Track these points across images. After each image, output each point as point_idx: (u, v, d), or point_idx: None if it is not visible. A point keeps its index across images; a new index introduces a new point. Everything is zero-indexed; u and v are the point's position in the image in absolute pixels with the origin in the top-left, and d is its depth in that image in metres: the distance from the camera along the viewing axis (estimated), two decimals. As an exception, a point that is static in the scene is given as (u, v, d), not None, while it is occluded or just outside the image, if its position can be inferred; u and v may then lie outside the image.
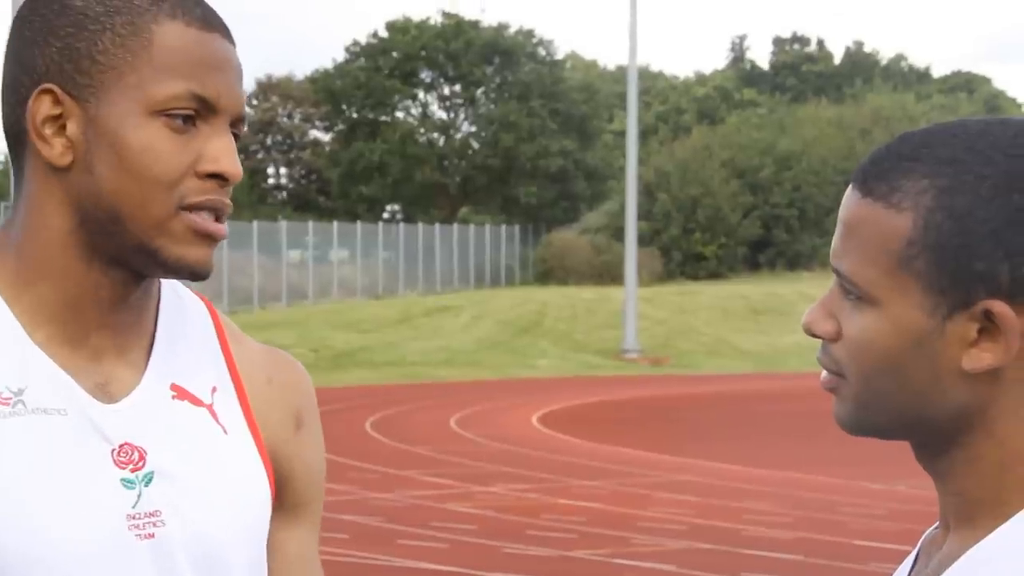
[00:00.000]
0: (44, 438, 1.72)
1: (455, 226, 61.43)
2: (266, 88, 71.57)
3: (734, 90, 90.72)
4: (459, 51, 68.32)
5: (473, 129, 70.49)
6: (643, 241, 54.04)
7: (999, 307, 1.45)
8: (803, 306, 45.35)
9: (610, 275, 57.92)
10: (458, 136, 70.32)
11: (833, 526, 13.86)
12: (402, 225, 59.36)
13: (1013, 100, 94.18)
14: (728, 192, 64.89)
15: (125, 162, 1.71)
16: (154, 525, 1.74)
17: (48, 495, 1.70)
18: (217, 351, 1.87)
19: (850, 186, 1.53)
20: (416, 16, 72.79)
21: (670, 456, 19.36)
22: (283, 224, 51.14)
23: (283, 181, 73.13)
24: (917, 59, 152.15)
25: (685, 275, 63.79)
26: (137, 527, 1.74)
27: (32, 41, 1.74)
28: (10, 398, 1.72)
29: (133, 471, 1.75)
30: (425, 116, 70.52)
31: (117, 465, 1.74)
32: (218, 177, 1.74)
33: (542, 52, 70.78)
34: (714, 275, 63.88)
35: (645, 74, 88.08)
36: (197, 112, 1.74)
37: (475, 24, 69.86)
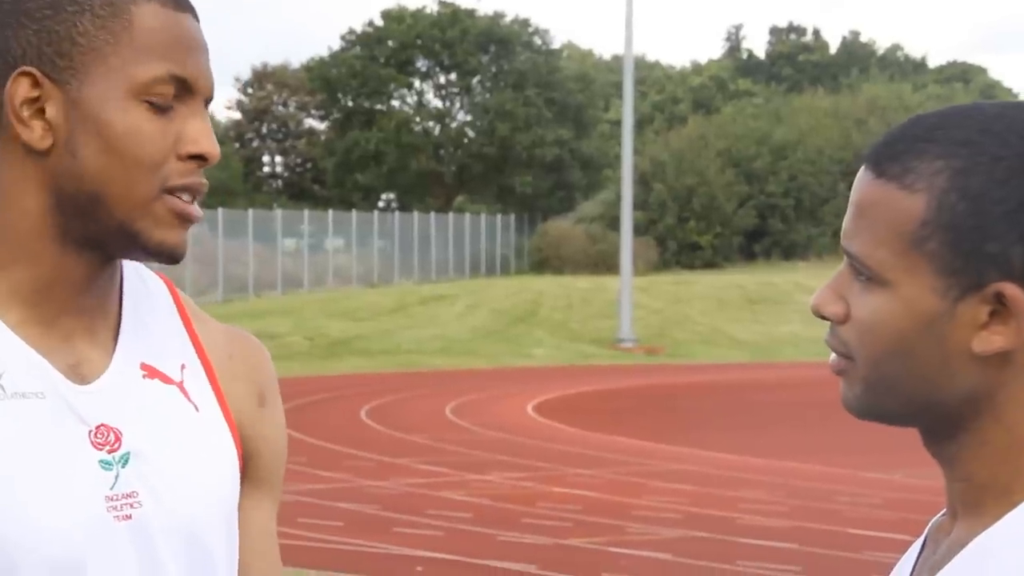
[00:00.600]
0: (24, 422, 1.71)
1: (450, 215, 61.42)
2: (261, 77, 71.51)
3: (730, 80, 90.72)
4: (455, 40, 68.29)
5: (469, 118, 70.48)
6: (639, 230, 54.05)
7: (1011, 289, 1.43)
8: (799, 296, 45.43)
9: (605, 264, 57.93)
10: (454, 125, 70.30)
11: (829, 515, 13.86)
12: (397, 214, 59.35)
13: (1008, 90, 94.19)
14: (724, 182, 64.90)
15: (110, 145, 1.70)
16: (131, 506, 1.74)
17: (29, 478, 1.69)
18: (181, 329, 1.87)
19: (863, 167, 1.52)
20: (412, 5, 72.76)
21: (665, 445, 19.36)
22: (278, 213, 51.12)
23: (278, 170, 73.10)
24: (913, 49, 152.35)
25: (681, 264, 63.82)
26: (115, 508, 1.73)
27: (4, 23, 1.72)
28: None
29: (110, 452, 1.74)
30: (421, 105, 70.49)
31: (94, 447, 1.74)
32: (198, 158, 1.74)
33: (538, 41, 70.78)
34: (710, 265, 63.90)
35: (641, 63, 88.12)
36: (175, 94, 1.73)
37: (471, 13, 69.81)
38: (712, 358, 36.67)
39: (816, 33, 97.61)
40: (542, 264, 62.38)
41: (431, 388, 27.71)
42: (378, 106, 69.11)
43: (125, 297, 1.83)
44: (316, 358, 33.16)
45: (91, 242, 1.74)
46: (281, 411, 1.96)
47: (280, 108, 71.68)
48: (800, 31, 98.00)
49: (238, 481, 1.85)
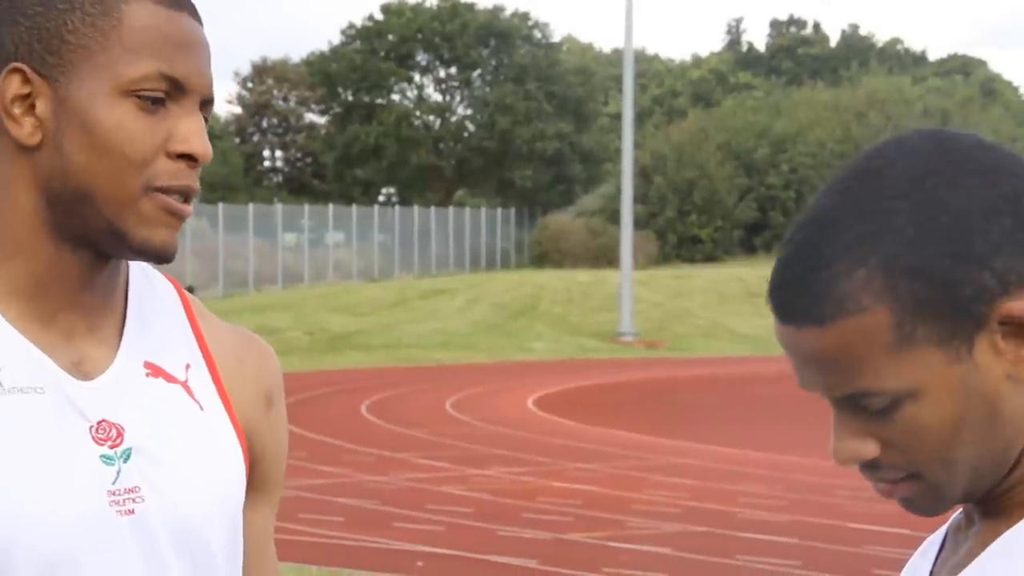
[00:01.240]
0: (23, 417, 1.71)
1: (451, 209, 61.43)
2: (261, 71, 71.50)
3: (730, 73, 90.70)
4: (455, 33, 68.27)
5: (469, 112, 70.48)
6: (639, 224, 54.07)
7: (1006, 307, 1.42)
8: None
9: (606, 258, 57.94)
10: (454, 119, 70.30)
11: (828, 509, 13.87)
12: (398, 208, 59.35)
13: (1009, 83, 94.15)
14: (724, 175, 64.91)
15: (95, 142, 1.71)
16: (133, 501, 1.74)
17: (29, 473, 1.69)
18: (188, 330, 1.87)
19: (788, 326, 1.47)
20: (411, -1, 72.70)
21: (665, 439, 19.36)
22: (278, 207, 51.13)
23: (279, 164, 73.11)
24: (913, 42, 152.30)
25: (681, 258, 63.83)
26: (117, 503, 1.73)
27: None
28: None
29: (112, 447, 1.74)
30: (421, 99, 70.49)
31: (96, 442, 1.74)
32: (188, 157, 1.73)
33: (538, 35, 70.76)
34: (710, 258, 63.92)
35: (641, 57, 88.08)
36: (167, 92, 1.73)
37: (471, 6, 69.80)
38: (712, 352, 36.67)
39: (816, 26, 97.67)
40: (542, 258, 62.39)
41: (431, 382, 27.71)
42: (378, 100, 69.11)
43: (130, 296, 1.83)
44: (316, 352, 33.17)
45: (83, 239, 1.74)
46: (285, 415, 1.97)
47: (280, 103, 71.66)
48: (800, 24, 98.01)
49: (243, 482, 1.85)
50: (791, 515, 13.56)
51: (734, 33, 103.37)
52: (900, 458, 1.47)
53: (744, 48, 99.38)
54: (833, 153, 65.87)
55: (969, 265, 1.41)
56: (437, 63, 70.25)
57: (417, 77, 70.56)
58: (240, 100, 71.57)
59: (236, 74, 72.19)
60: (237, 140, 70.26)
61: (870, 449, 1.47)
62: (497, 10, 70.54)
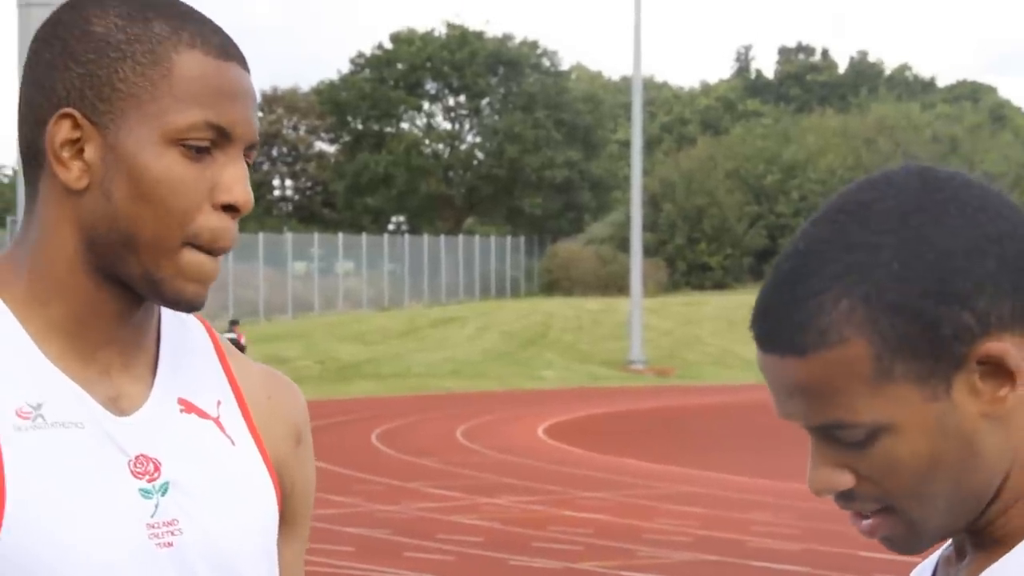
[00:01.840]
0: (64, 451, 1.74)
1: (460, 237, 61.48)
2: (271, 100, 71.67)
3: (739, 100, 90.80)
4: (464, 62, 68.40)
5: (478, 140, 70.58)
6: (648, 252, 54.08)
7: (985, 347, 1.43)
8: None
9: (615, 286, 57.94)
10: (463, 147, 70.39)
11: (839, 537, 13.84)
12: (407, 236, 59.41)
13: (1018, 109, 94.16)
14: (733, 202, 64.93)
15: (141, 189, 1.74)
16: (172, 534, 1.77)
17: (70, 506, 1.72)
18: (218, 367, 1.90)
19: (768, 355, 1.48)
20: (420, 27, 72.86)
21: (676, 467, 19.35)
22: (288, 236, 51.19)
23: (288, 193, 73.23)
24: (922, 69, 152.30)
25: (691, 285, 63.82)
26: (156, 536, 1.76)
27: (52, 64, 1.76)
28: (30, 412, 1.74)
29: (150, 481, 1.77)
30: (430, 127, 70.61)
31: (134, 476, 1.77)
32: (231, 208, 1.77)
33: (547, 63, 70.89)
34: (719, 285, 63.89)
35: (650, 84, 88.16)
36: (213, 141, 1.76)
37: (480, 35, 69.94)
38: (722, 379, 36.64)
39: (825, 53, 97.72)
40: (552, 286, 62.40)
41: (442, 411, 27.71)
42: (388, 129, 69.23)
43: (163, 335, 1.86)
44: (327, 382, 33.17)
45: (121, 281, 1.78)
46: (312, 452, 2.01)
47: (290, 131, 71.82)
48: (809, 51, 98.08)
49: (276, 517, 1.88)
50: (802, 544, 13.54)
51: (743, 60, 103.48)
52: (875, 490, 1.47)
53: (753, 75, 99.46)
54: (843, 180, 65.80)
55: (951, 304, 1.42)
56: (446, 91, 70.38)
57: (426, 105, 70.69)
58: (250, 129, 71.64)
59: (246, 103, 72.35)
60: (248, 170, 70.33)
61: (845, 480, 1.47)
62: (506, 38, 70.69)
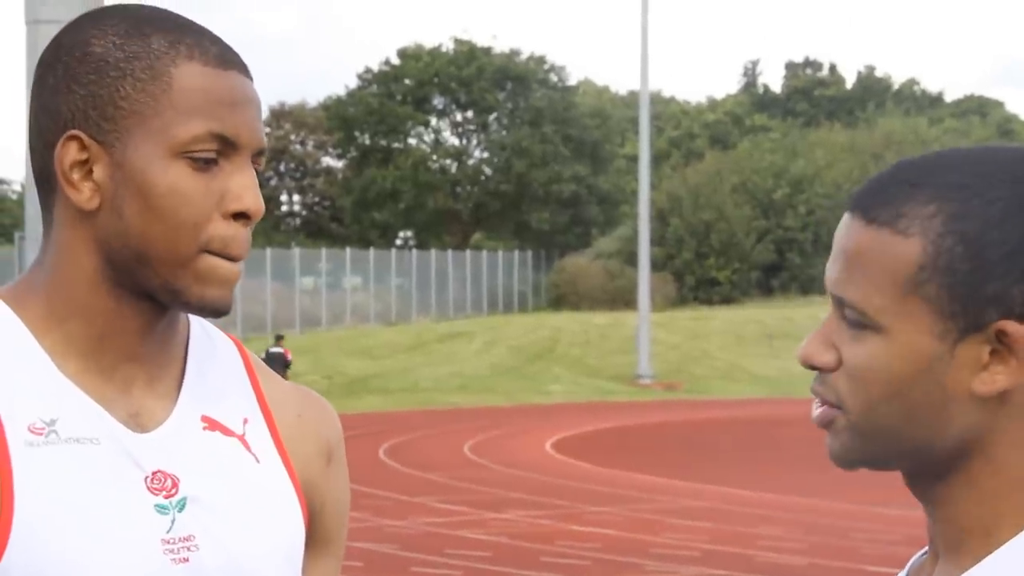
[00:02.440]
0: (78, 467, 1.75)
1: (468, 252, 61.49)
2: (279, 116, 71.74)
3: (746, 115, 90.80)
4: (471, 77, 68.45)
5: (485, 155, 70.60)
6: (656, 266, 54.06)
7: (1013, 327, 1.44)
8: (816, 331, 45.30)
9: (623, 300, 57.92)
10: (470, 162, 70.42)
11: (846, 552, 13.83)
12: (415, 251, 59.44)
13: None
14: (741, 217, 64.91)
15: (151, 205, 1.75)
16: (188, 550, 1.77)
17: (84, 522, 1.73)
18: (247, 385, 1.91)
19: (847, 214, 1.52)
20: (428, 43, 72.94)
21: (683, 482, 19.33)
22: (296, 251, 51.23)
23: (296, 208, 73.29)
24: (929, 83, 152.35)
25: (698, 300, 63.77)
26: (172, 551, 1.76)
27: (56, 88, 1.78)
28: (43, 428, 1.75)
29: (166, 497, 1.78)
30: (437, 142, 70.64)
31: (150, 491, 1.77)
32: (242, 215, 1.78)
33: (554, 78, 70.91)
34: (727, 300, 63.85)
35: (657, 99, 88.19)
36: (219, 151, 1.77)
37: (487, 50, 69.99)
38: (730, 394, 36.61)
39: (832, 68, 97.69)
40: (559, 300, 62.39)
41: (449, 426, 27.70)
42: (395, 144, 69.28)
43: (190, 351, 1.87)
44: (334, 397, 33.17)
45: (143, 294, 1.79)
46: (346, 471, 2.00)
47: (298, 147, 71.89)
48: (816, 66, 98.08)
49: (302, 535, 1.87)
50: (809, 558, 13.53)
51: (750, 75, 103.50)
52: (841, 383, 1.49)
53: (760, 90, 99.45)
54: (850, 194, 65.79)
55: (1011, 272, 1.44)
56: (454, 107, 70.43)
57: (434, 121, 70.73)
58: (257, 144, 71.74)
59: (254, 119, 72.44)
60: (256, 185, 70.41)
61: (827, 359, 1.50)
62: (513, 54, 70.73)
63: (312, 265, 51.83)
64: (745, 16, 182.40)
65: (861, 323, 1.48)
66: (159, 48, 1.76)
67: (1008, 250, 1.44)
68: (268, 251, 48.42)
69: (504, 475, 19.98)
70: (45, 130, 1.78)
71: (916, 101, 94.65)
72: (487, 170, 70.06)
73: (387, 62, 70.47)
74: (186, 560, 1.76)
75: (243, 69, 1.80)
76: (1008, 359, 1.45)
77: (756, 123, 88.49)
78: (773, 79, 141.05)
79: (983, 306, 1.44)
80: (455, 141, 70.97)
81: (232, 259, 1.78)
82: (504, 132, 69.65)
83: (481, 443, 24.43)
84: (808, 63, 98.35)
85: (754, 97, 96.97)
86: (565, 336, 46.79)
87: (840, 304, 1.50)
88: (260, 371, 1.93)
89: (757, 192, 66.69)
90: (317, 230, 70.56)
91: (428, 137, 70.89)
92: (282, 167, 71.91)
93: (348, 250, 55.00)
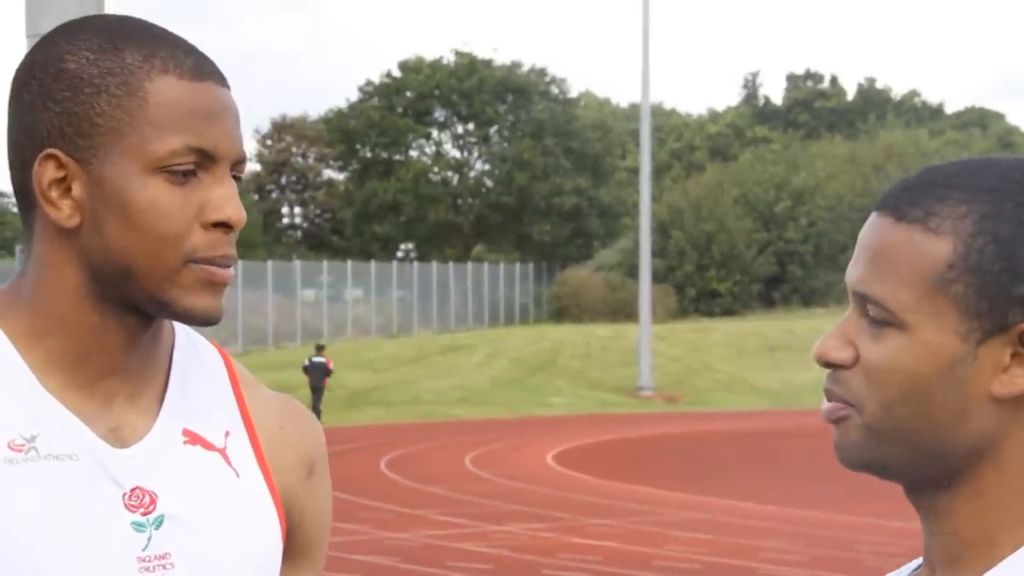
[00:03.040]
0: (57, 483, 1.74)
1: (469, 264, 61.49)
2: (280, 128, 71.79)
3: (747, 127, 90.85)
4: (472, 90, 68.49)
5: (487, 167, 70.62)
6: (657, 278, 54.06)
7: None
8: (818, 343, 45.28)
9: (624, 312, 57.91)
10: (472, 175, 70.45)
11: (849, 564, 13.81)
12: (416, 264, 59.44)
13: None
14: (742, 229, 64.92)
15: (132, 221, 1.74)
16: (163, 568, 1.76)
17: (61, 539, 1.72)
18: (230, 396, 1.90)
19: (875, 213, 1.52)
20: (429, 56, 72.98)
21: (685, 494, 19.32)
22: (297, 264, 51.24)
23: (297, 221, 73.30)
24: (930, 95, 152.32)
25: (700, 312, 63.76)
26: (147, 569, 1.76)
27: (31, 105, 1.76)
28: (23, 444, 1.74)
29: (144, 515, 1.77)
30: (439, 155, 70.66)
31: (128, 509, 1.77)
32: (223, 225, 1.76)
33: (555, 90, 70.95)
34: (729, 312, 63.84)
35: (658, 111, 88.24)
36: (197, 163, 1.75)
37: (488, 63, 70.03)
38: (732, 406, 36.59)
39: (833, 80, 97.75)
40: (561, 312, 62.38)
41: (450, 438, 27.69)
42: (396, 156, 69.30)
43: (174, 363, 1.86)
44: (335, 409, 33.16)
45: (128, 306, 1.77)
46: (328, 482, 2.00)
47: (299, 159, 71.93)
48: (817, 78, 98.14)
49: (279, 549, 1.87)
50: (811, 571, 13.51)
51: (751, 87, 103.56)
52: (858, 381, 1.49)
53: (761, 102, 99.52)
54: (851, 206, 65.84)
55: None
56: (455, 119, 70.47)
57: (435, 133, 70.77)
58: (259, 157, 71.88)
59: (255, 131, 72.54)
60: (256, 197, 70.49)
61: (844, 355, 1.50)
62: (514, 66, 70.77)
63: (314, 277, 51.83)
64: (746, 28, 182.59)
65: (884, 321, 1.48)
66: (133, 62, 1.75)
67: None
68: (270, 263, 48.43)
69: (505, 488, 19.96)
70: (22, 147, 1.77)
71: (917, 113, 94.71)
72: (488, 182, 70.08)
73: (388, 75, 70.54)
74: None
75: (219, 79, 1.79)
76: None
77: (757, 135, 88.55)
78: (774, 91, 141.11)
79: (1010, 307, 1.45)
80: (456, 153, 71.01)
81: (220, 263, 1.77)
82: (505, 144, 69.68)
83: (482, 455, 24.42)
84: (809, 75, 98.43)
85: (755, 109, 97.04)
86: (566, 348, 46.78)
87: (862, 301, 1.50)
88: (243, 380, 1.92)
89: (758, 204, 66.69)
90: (319, 243, 70.58)
91: (429, 149, 70.93)
92: (283, 180, 71.95)
93: (349, 262, 55.00)
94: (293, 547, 1.92)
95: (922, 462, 1.49)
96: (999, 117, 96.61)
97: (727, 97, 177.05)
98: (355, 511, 17.29)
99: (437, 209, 67.72)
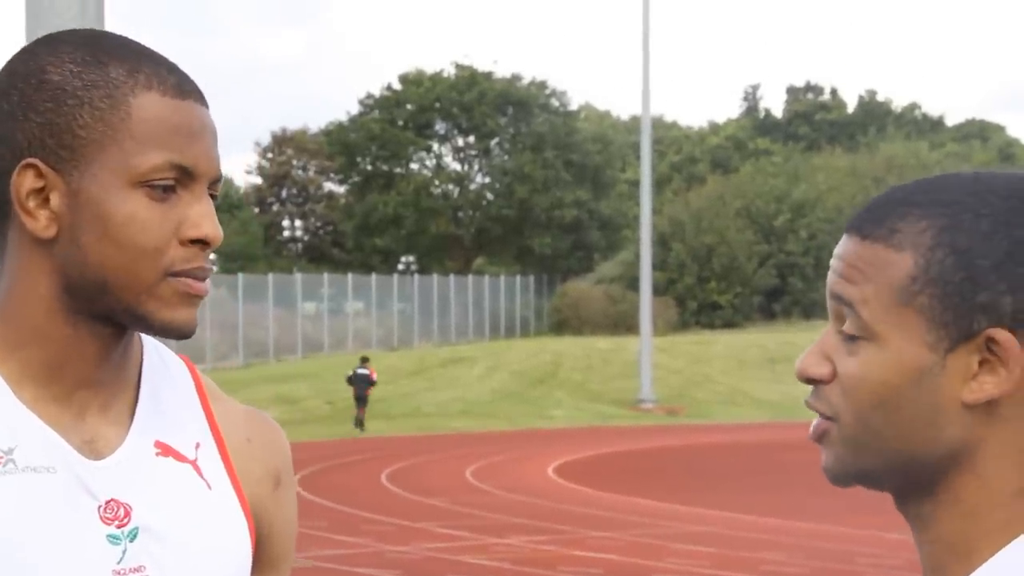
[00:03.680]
0: (34, 496, 1.75)
1: (470, 277, 61.50)
2: (281, 141, 71.83)
3: (748, 139, 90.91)
4: (473, 102, 68.53)
5: (487, 180, 70.65)
6: (658, 290, 54.05)
7: (1002, 334, 1.47)
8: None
9: (625, 325, 57.91)
10: (472, 187, 70.48)
11: (850, 576, 13.80)
12: (417, 276, 59.44)
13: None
14: (743, 241, 64.93)
15: (110, 233, 1.74)
16: None
17: (37, 552, 1.73)
18: (199, 409, 1.91)
19: (845, 234, 1.56)
20: (429, 68, 73.04)
21: (686, 507, 19.31)
22: (298, 276, 51.24)
23: (298, 233, 73.32)
24: (931, 107, 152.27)
25: (700, 324, 63.76)
26: None
27: (11, 115, 1.76)
28: (1, 457, 1.75)
29: (119, 527, 1.78)
30: (439, 168, 70.70)
31: (103, 521, 1.78)
32: (200, 242, 1.77)
33: (555, 103, 71.00)
34: (729, 324, 63.83)
35: (659, 124, 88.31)
36: (176, 180, 1.77)
37: (488, 75, 70.08)
38: (733, 418, 36.57)
39: (833, 92, 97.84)
40: (562, 325, 62.37)
41: (451, 451, 27.67)
42: (397, 169, 69.34)
43: (144, 375, 1.87)
44: (336, 422, 33.15)
45: (102, 318, 1.78)
46: (294, 493, 2.01)
47: (299, 172, 71.95)
48: (817, 90, 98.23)
49: (249, 560, 1.89)
50: (813, 583, 13.49)
51: (751, 99, 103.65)
52: (835, 393, 1.53)
53: (761, 114, 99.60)
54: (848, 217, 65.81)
55: (1001, 282, 1.47)
56: (455, 132, 70.50)
57: (435, 146, 70.80)
58: (260, 170, 71.92)
59: (256, 144, 72.67)
60: (256, 210, 70.54)
61: (822, 371, 1.54)
62: (515, 79, 70.82)
63: (314, 290, 51.84)
64: (746, 40, 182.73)
65: (857, 335, 1.51)
66: (118, 77, 1.76)
67: (998, 260, 1.48)
68: (270, 276, 48.45)
69: (506, 500, 19.95)
70: (0, 157, 1.77)
71: (917, 125, 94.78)
72: (489, 195, 70.10)
73: (389, 87, 70.59)
74: None
75: (200, 98, 1.80)
76: (997, 368, 1.48)
77: (758, 147, 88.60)
78: (774, 103, 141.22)
79: (974, 315, 1.47)
80: (457, 166, 71.04)
81: (198, 276, 1.78)
82: (506, 157, 69.71)
83: (483, 468, 24.41)
84: (809, 87, 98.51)
85: (755, 121, 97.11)
86: (567, 361, 46.77)
87: (838, 317, 1.54)
88: (211, 393, 1.93)
89: (759, 216, 66.72)
90: (319, 255, 70.59)
91: (430, 162, 70.97)
92: (284, 193, 71.97)
93: (350, 275, 55.01)
94: (261, 558, 1.94)
95: (901, 470, 1.52)
96: (999, 129, 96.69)
97: (728, 109, 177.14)
98: (356, 524, 17.28)
99: (438, 222, 67.74)
